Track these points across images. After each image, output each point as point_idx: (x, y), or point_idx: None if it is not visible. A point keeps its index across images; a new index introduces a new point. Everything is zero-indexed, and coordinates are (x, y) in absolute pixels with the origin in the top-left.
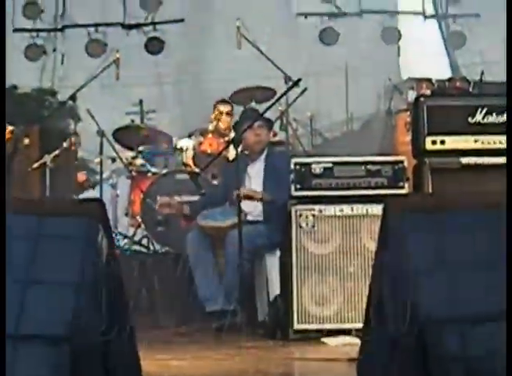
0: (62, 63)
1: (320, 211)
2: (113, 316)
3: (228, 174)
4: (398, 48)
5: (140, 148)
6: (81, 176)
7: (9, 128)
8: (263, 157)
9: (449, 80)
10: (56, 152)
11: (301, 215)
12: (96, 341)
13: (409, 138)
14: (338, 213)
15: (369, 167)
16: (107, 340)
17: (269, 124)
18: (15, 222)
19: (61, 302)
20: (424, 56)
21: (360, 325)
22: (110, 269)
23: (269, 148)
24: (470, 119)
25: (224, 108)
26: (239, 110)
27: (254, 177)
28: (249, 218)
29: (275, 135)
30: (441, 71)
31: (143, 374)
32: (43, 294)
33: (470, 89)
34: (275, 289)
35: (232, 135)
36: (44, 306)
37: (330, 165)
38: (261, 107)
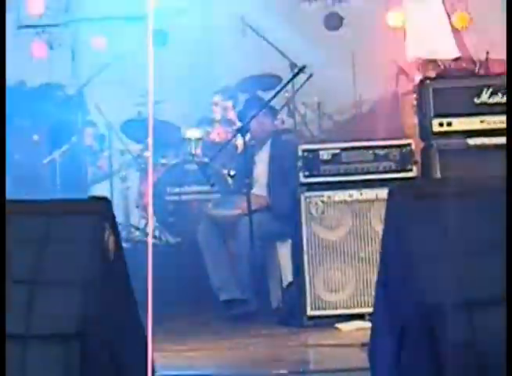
0: (73, 59)
1: (329, 197)
2: (123, 312)
3: (238, 164)
4: (404, 30)
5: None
6: None
7: None
8: (268, 145)
9: (455, 60)
10: (65, 147)
11: (310, 202)
12: (106, 337)
13: (416, 120)
14: (347, 198)
15: (376, 151)
16: (117, 336)
17: (273, 112)
18: (22, 224)
19: (69, 301)
20: (429, 37)
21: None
22: (118, 265)
23: (274, 136)
24: (476, 100)
25: (217, 98)
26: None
27: (260, 166)
28: (259, 206)
29: (283, 122)
30: (446, 52)
31: (157, 366)
32: (51, 293)
33: (476, 69)
34: (287, 276)
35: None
36: (52, 306)
37: (338, 151)
38: (267, 95)
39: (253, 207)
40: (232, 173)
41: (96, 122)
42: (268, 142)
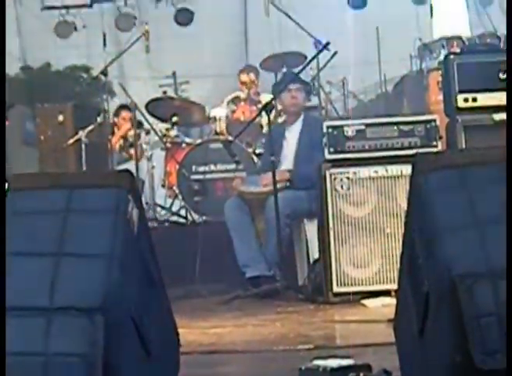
0: (104, 44)
1: (354, 173)
2: (148, 286)
3: (266, 141)
4: (431, 7)
5: (174, 119)
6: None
7: None
8: (300, 120)
9: (480, 37)
10: (91, 127)
11: (335, 179)
12: (130, 312)
13: (441, 97)
14: (373, 175)
15: (401, 127)
16: (142, 311)
17: (307, 87)
18: (44, 197)
19: (93, 274)
20: (455, 14)
21: None
22: (142, 239)
23: (306, 113)
24: (501, 74)
25: (244, 78)
26: (270, 76)
27: (291, 141)
28: (288, 184)
29: (309, 100)
30: (471, 29)
31: (183, 343)
32: (74, 266)
33: (501, 44)
34: (314, 253)
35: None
36: (76, 279)
37: (363, 127)
38: None
39: (278, 183)
40: (257, 151)
41: (121, 102)
42: (301, 118)
